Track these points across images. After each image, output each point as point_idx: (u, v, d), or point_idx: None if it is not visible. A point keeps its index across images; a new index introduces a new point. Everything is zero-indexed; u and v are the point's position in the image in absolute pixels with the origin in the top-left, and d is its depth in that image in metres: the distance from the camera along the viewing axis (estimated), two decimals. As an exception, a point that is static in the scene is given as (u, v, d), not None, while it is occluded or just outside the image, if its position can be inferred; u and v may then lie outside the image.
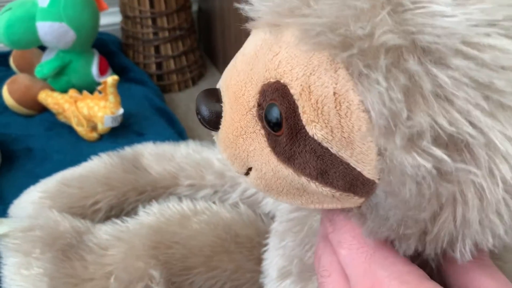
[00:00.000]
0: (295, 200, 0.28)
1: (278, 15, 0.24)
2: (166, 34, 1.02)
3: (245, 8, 0.26)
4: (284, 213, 0.41)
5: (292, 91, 0.24)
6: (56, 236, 0.50)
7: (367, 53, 0.20)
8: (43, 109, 0.88)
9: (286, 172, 0.26)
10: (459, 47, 0.19)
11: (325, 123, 0.23)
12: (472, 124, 0.20)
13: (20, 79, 0.88)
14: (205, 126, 0.30)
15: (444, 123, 0.20)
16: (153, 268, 0.48)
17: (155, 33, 1.02)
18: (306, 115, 0.23)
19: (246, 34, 0.30)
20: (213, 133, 0.31)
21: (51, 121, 0.86)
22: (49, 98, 0.84)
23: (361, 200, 0.25)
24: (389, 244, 0.25)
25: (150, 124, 0.86)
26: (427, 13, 0.20)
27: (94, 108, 0.78)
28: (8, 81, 0.87)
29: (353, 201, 0.26)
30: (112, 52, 1.04)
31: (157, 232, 0.51)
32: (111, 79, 0.74)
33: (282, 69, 0.24)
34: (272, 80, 0.25)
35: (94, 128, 0.82)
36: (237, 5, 0.27)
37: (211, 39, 1.16)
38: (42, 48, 0.93)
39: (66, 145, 0.80)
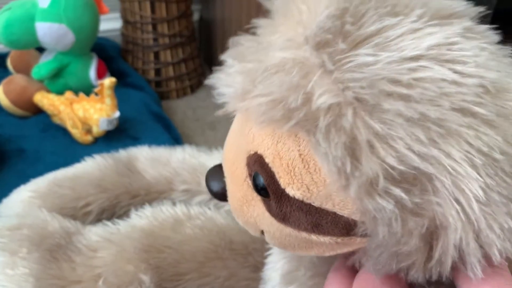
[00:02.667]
0: (309, 251, 0.30)
1: (235, 100, 0.26)
2: (166, 40, 1.01)
3: (216, 97, 0.28)
4: None
5: (266, 160, 0.26)
6: (44, 236, 0.48)
7: (307, 119, 0.22)
8: (38, 111, 0.87)
9: (287, 230, 0.28)
10: (387, 89, 0.21)
11: (300, 183, 0.25)
12: (419, 156, 0.21)
13: (16, 80, 0.86)
14: (217, 199, 0.34)
15: (394, 163, 0.21)
16: (143, 272, 0.46)
17: (155, 39, 1.01)
18: (282, 179, 0.26)
19: None
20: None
21: (46, 122, 0.85)
22: (45, 100, 0.83)
23: (366, 239, 0.26)
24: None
25: (146, 129, 0.85)
26: (353, 67, 0.21)
27: (90, 111, 0.77)
28: (4, 81, 0.86)
29: (358, 242, 0.27)
30: (111, 57, 1.03)
31: (149, 236, 0.49)
32: (108, 81, 0.73)
33: (256, 142, 0.27)
34: (251, 152, 0.27)
35: (89, 131, 0.80)
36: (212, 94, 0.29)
37: (211, 48, 1.15)
38: (40, 50, 0.92)
39: (59, 147, 0.79)
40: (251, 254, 0.50)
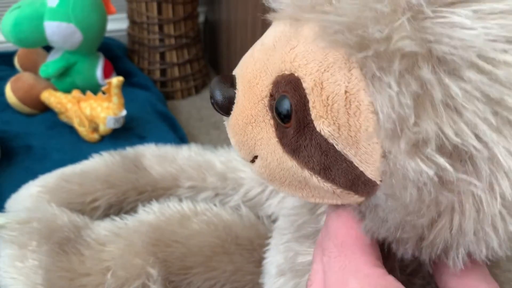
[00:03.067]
0: (296, 192, 0.29)
1: (299, 9, 0.25)
2: (172, 41, 1.02)
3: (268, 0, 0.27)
4: (287, 208, 0.41)
5: (304, 85, 0.24)
6: (54, 229, 0.49)
7: (382, 56, 0.21)
8: (45, 109, 0.88)
9: (290, 163, 0.27)
10: (475, 60, 0.20)
11: (333, 120, 0.23)
12: (477, 137, 0.20)
13: (24, 78, 0.87)
14: (217, 111, 0.31)
15: (450, 133, 0.20)
16: (151, 266, 0.47)
17: (161, 40, 1.02)
18: (315, 110, 0.24)
19: (251, 46, 0.31)
20: (224, 118, 0.31)
21: (53, 120, 0.85)
22: (52, 97, 0.84)
23: (361, 199, 0.26)
24: (368, 255, 0.26)
25: (152, 128, 0.86)
26: (447, 23, 0.20)
27: (97, 109, 0.78)
28: (12, 79, 0.87)
29: (353, 199, 0.26)
30: (117, 56, 1.04)
31: (157, 230, 0.50)
32: (116, 80, 0.74)
33: (297, 63, 0.25)
34: (286, 72, 0.25)
35: (95, 129, 0.81)
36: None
37: (216, 49, 1.16)
38: (48, 49, 0.93)
39: (66, 145, 0.80)
40: (256, 250, 0.51)
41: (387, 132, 0.21)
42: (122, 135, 0.82)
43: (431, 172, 0.21)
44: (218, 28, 1.12)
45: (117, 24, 1.09)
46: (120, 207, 0.57)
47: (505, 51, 0.20)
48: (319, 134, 0.24)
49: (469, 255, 0.23)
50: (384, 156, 0.22)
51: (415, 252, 0.24)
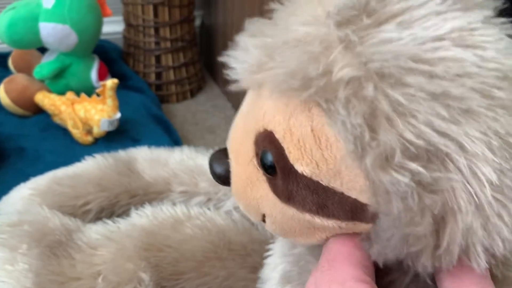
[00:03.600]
0: (311, 239, 0.30)
1: (250, 73, 0.27)
2: (168, 44, 1.02)
3: (229, 73, 0.29)
4: None
5: (277, 135, 0.26)
6: (45, 232, 0.48)
7: (326, 90, 0.22)
8: (38, 111, 0.88)
9: (291, 211, 0.28)
10: (410, 65, 0.21)
11: (309, 159, 0.25)
12: (438, 132, 0.21)
13: (17, 79, 0.87)
14: (220, 183, 0.34)
15: (412, 137, 0.21)
16: (143, 271, 0.46)
17: (157, 43, 1.02)
18: (291, 155, 0.26)
19: None
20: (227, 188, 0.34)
21: (46, 122, 0.85)
22: (46, 99, 0.83)
23: (369, 225, 0.26)
24: (357, 270, 0.26)
25: (146, 131, 0.85)
26: (377, 43, 0.22)
27: (91, 111, 0.78)
28: (6, 80, 0.86)
29: (362, 228, 0.27)
30: (113, 59, 1.03)
31: (149, 234, 0.49)
32: (110, 82, 0.73)
33: (267, 119, 0.27)
34: (261, 130, 0.28)
35: (89, 131, 0.81)
36: (224, 71, 0.29)
37: (212, 53, 1.16)
38: (42, 50, 0.93)
39: (59, 147, 0.79)
40: (249, 255, 0.51)
41: (351, 154, 0.23)
42: (116, 138, 0.82)
43: (406, 180, 0.21)
44: (214, 31, 1.12)
45: (112, 27, 1.09)
46: (112, 210, 0.57)
47: (435, 48, 0.22)
48: (303, 175, 0.26)
49: (488, 251, 0.23)
50: (366, 177, 0.23)
51: (434, 263, 0.24)
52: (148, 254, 0.48)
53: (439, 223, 0.22)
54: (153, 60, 1.04)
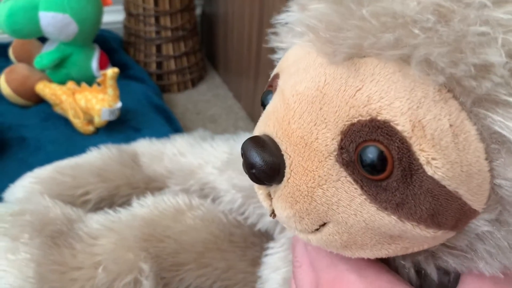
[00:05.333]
0: (381, 251, 0.25)
1: (370, 47, 0.22)
2: (169, 33, 1.02)
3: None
4: None
5: (399, 128, 0.21)
6: (46, 222, 0.48)
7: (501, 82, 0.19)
8: (39, 101, 0.87)
9: (386, 220, 0.23)
10: None
11: (445, 159, 0.21)
12: None
13: (18, 69, 0.87)
14: (259, 181, 0.26)
15: None
16: (143, 261, 0.47)
17: (158, 32, 1.01)
18: (425, 153, 0.21)
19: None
20: (260, 188, 0.27)
21: (47, 112, 0.85)
22: (47, 89, 0.83)
23: (452, 234, 0.24)
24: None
25: (147, 120, 0.85)
26: None
27: (92, 101, 0.78)
28: (6, 70, 0.86)
29: (446, 236, 0.24)
30: (113, 49, 1.03)
31: (150, 225, 0.50)
32: (111, 71, 0.73)
33: (376, 105, 0.22)
34: (363, 119, 0.22)
35: (90, 121, 0.81)
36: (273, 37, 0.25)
37: (213, 42, 1.16)
38: (43, 40, 0.92)
39: (61, 137, 0.79)
40: (249, 248, 0.51)
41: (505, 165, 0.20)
42: (117, 127, 0.82)
43: None
44: (215, 20, 1.11)
45: (113, 16, 1.08)
46: (111, 201, 0.57)
47: None
48: (431, 178, 0.21)
49: None
50: (494, 183, 0.21)
51: None
52: (148, 245, 0.48)
53: None
54: (153, 50, 1.03)
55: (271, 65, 0.31)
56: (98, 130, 0.82)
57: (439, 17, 0.20)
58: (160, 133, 0.74)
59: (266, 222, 0.50)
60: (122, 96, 0.79)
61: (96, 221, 0.50)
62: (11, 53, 0.95)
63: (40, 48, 0.93)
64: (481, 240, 0.23)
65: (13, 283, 0.45)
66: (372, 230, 0.24)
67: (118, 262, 0.46)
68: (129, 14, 1.03)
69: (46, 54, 0.87)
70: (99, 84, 0.77)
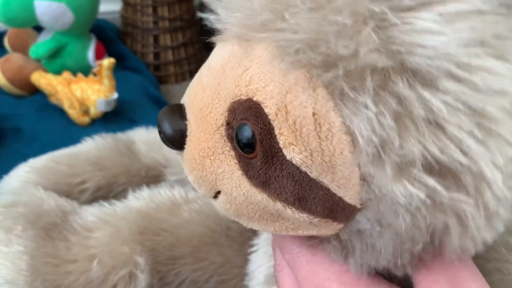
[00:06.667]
0: (268, 226, 0.26)
1: (248, 28, 0.23)
2: (167, 24, 1.01)
3: (210, 18, 0.25)
4: None
5: (266, 110, 0.22)
6: (40, 214, 0.48)
7: (353, 74, 0.19)
8: (34, 91, 0.86)
9: (259, 197, 0.24)
10: (451, 69, 0.18)
11: (304, 146, 0.21)
12: (463, 152, 0.19)
13: (13, 58, 0.86)
14: (168, 145, 0.28)
15: (436, 151, 0.18)
16: (139, 254, 0.46)
17: (155, 22, 1.00)
18: (283, 137, 0.22)
19: None
20: (176, 153, 0.29)
21: (43, 102, 0.84)
22: (42, 79, 0.82)
23: (340, 226, 0.24)
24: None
25: (144, 112, 0.85)
26: (414, 30, 0.18)
27: (88, 91, 0.77)
28: (1, 60, 0.85)
29: (331, 227, 0.24)
30: (110, 39, 1.02)
31: (145, 218, 0.49)
32: (107, 61, 0.72)
33: (254, 86, 0.22)
34: (243, 97, 0.23)
35: (86, 112, 0.80)
36: (200, 14, 0.25)
37: (211, 33, 1.15)
38: (38, 29, 0.91)
39: (56, 127, 0.78)
40: (246, 243, 0.50)
41: (368, 157, 0.19)
42: (113, 118, 0.81)
43: (422, 195, 0.19)
44: (214, 11, 1.10)
45: (110, 6, 1.07)
46: (109, 189, 0.56)
47: (478, 55, 0.18)
48: (290, 162, 0.22)
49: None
50: (364, 179, 0.21)
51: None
52: (144, 238, 0.47)
53: (439, 239, 0.21)
54: (151, 40, 1.02)
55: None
56: (94, 121, 0.81)
57: (311, 4, 0.20)
58: (156, 125, 0.73)
59: None
60: (119, 87, 0.78)
61: (91, 213, 0.49)
62: (6, 42, 0.94)
63: (36, 37, 0.92)
64: (359, 237, 0.23)
65: (5, 275, 0.45)
66: (252, 204, 0.25)
67: (113, 255, 0.46)
68: (126, 3, 1.02)
69: (41, 44, 0.86)
70: (95, 75, 0.77)
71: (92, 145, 0.59)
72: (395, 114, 0.19)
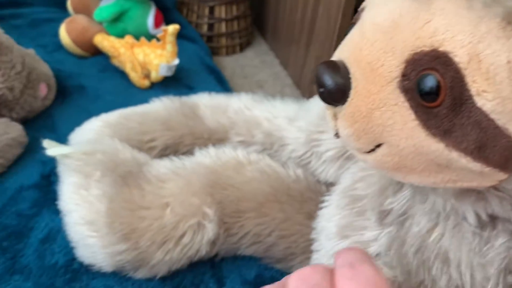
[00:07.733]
0: (429, 178, 0.27)
1: None
2: (223, -4, 1.02)
3: None
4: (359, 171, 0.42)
5: (456, 59, 0.23)
6: (117, 162, 0.51)
7: None
8: (96, 53, 0.90)
9: (434, 147, 0.25)
10: None
11: (496, 94, 0.22)
12: None
13: (78, 19, 0.89)
14: (327, 101, 0.29)
15: None
16: (208, 206, 0.49)
17: (212, -6, 1.02)
18: (476, 85, 0.23)
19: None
20: (328, 108, 0.30)
21: (104, 64, 0.87)
22: (105, 41, 0.85)
23: (504, 176, 0.25)
24: None
25: (200, 79, 0.87)
26: None
27: (150, 56, 0.79)
28: (67, 20, 0.88)
29: (495, 177, 0.25)
30: (167, 8, 1.04)
31: (213, 173, 0.52)
32: (172, 27, 0.75)
33: (440, 37, 0.23)
34: (426, 49, 0.24)
35: (147, 75, 0.83)
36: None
37: (263, 9, 1.16)
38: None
39: (118, 88, 0.82)
40: (306, 202, 0.53)
41: None
42: (172, 84, 0.84)
43: None
44: (267, -13, 1.11)
45: (168, -25, 1.09)
46: (175, 149, 0.59)
47: None
48: (480, 110, 0.23)
49: None
50: None
51: None
52: (213, 191, 0.50)
53: None
54: (206, 11, 1.04)
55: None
56: (153, 85, 0.84)
57: None
58: (213, 91, 0.75)
59: (327, 169, 0.52)
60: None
61: (163, 166, 0.52)
62: (69, 5, 0.97)
63: (98, 2, 0.95)
64: None
65: (85, 216, 0.48)
66: (420, 155, 0.26)
67: (184, 205, 0.49)
68: (185, -26, 1.03)
69: (106, 7, 0.89)
70: (158, 40, 0.79)
71: (160, 106, 0.61)
72: None
